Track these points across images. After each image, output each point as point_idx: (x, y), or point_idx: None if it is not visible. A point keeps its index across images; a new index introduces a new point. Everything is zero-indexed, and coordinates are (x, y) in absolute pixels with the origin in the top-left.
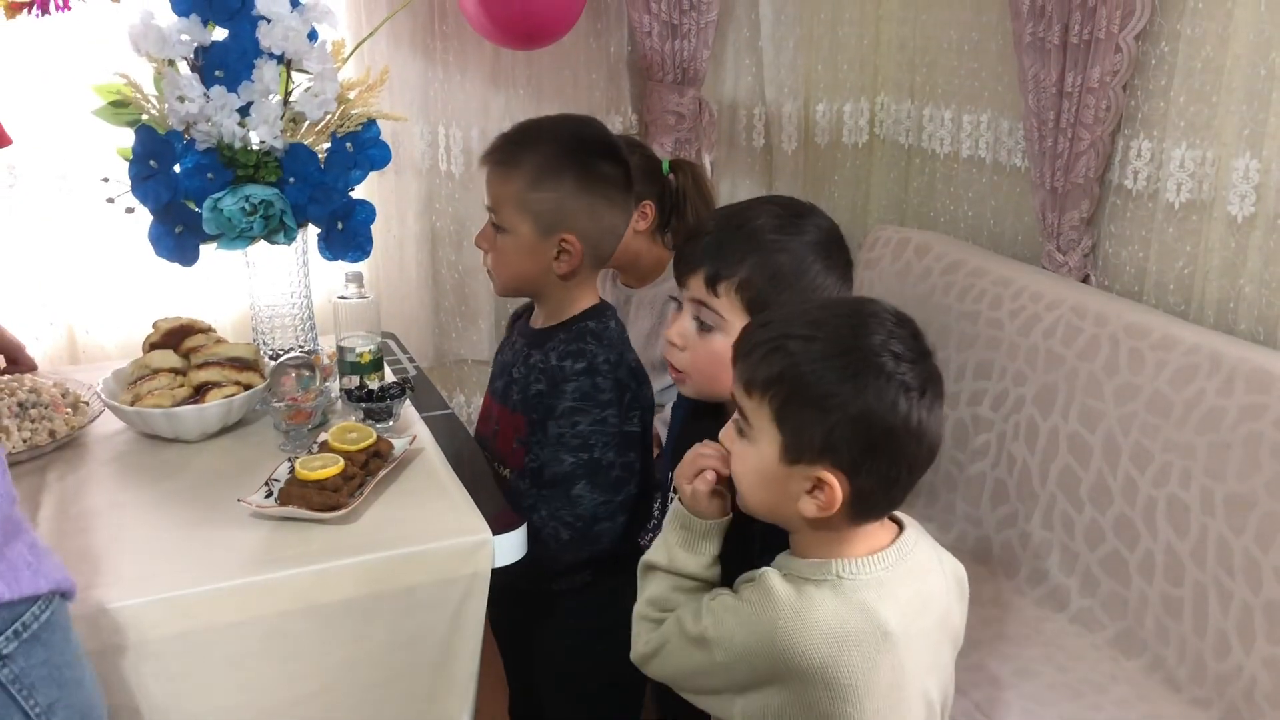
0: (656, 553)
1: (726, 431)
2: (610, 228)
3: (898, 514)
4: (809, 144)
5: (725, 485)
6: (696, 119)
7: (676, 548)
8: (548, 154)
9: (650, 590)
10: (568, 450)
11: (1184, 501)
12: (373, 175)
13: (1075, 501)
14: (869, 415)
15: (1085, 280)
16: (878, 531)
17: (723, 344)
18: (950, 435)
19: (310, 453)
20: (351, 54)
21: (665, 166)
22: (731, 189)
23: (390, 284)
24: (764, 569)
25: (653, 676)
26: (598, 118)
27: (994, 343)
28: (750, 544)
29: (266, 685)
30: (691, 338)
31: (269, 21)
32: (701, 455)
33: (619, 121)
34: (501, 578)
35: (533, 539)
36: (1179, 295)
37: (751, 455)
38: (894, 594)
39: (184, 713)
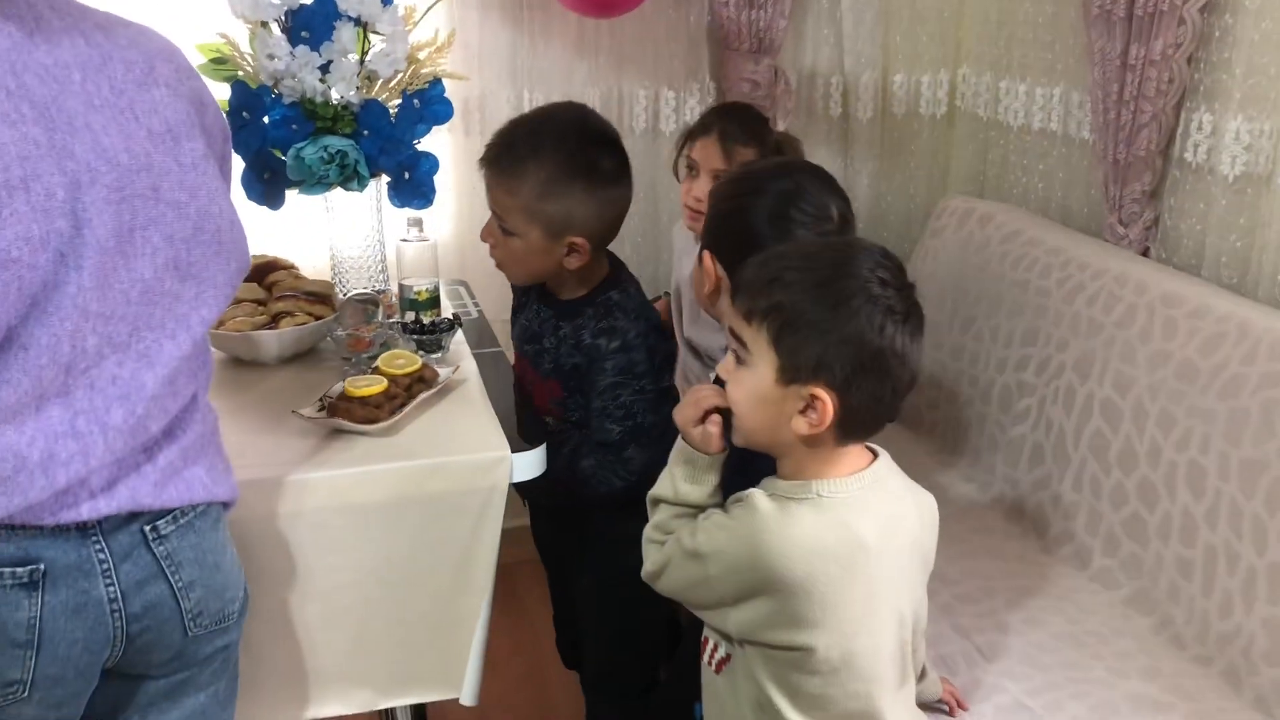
0: (662, 487)
1: (725, 364)
2: (615, 218)
3: (872, 445)
4: (886, 114)
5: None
6: (772, 87)
7: (681, 481)
8: (554, 164)
9: (657, 517)
10: (613, 420)
11: (1202, 466)
12: (458, 135)
13: (1104, 464)
14: (860, 336)
15: (1145, 253)
16: (856, 458)
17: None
18: (996, 399)
19: (365, 375)
20: (421, 18)
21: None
22: (808, 157)
23: (472, 239)
24: (751, 490)
25: (661, 592)
26: (676, 85)
27: (1041, 310)
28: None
29: (310, 573)
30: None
31: None
32: (703, 396)
33: (697, 89)
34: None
35: (581, 479)
36: (1235, 269)
37: (749, 379)
38: (870, 511)
39: None
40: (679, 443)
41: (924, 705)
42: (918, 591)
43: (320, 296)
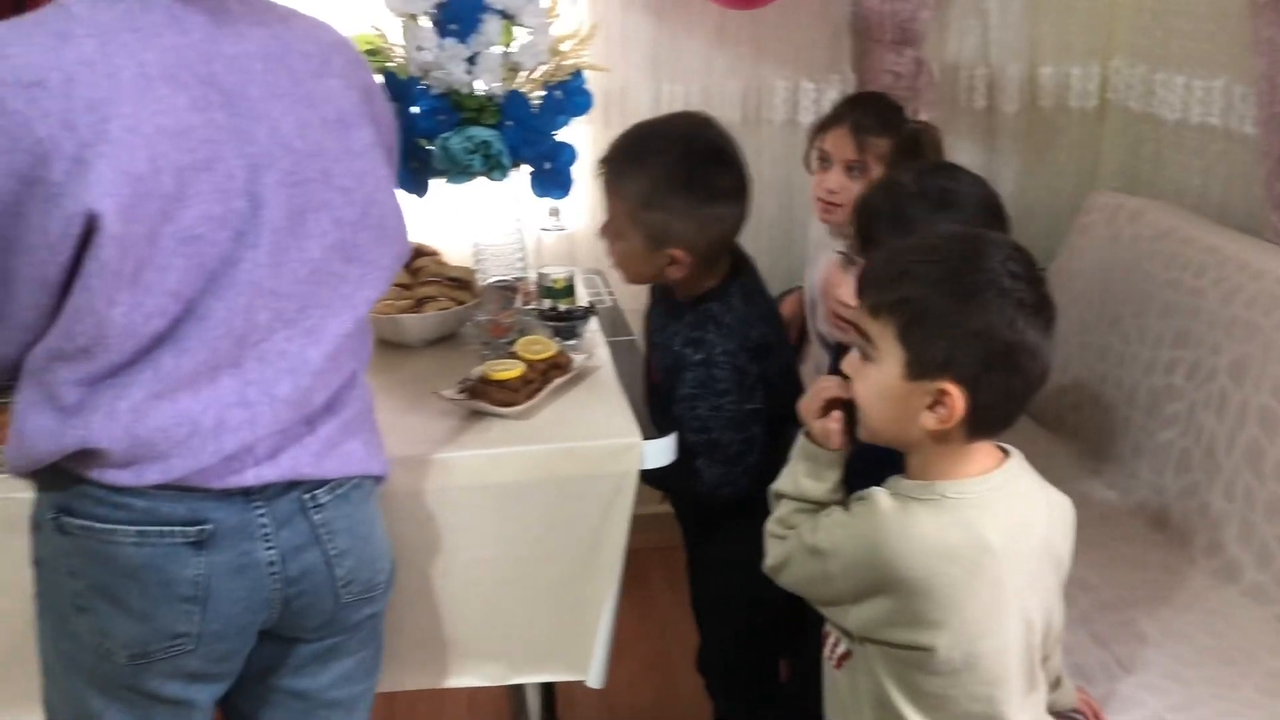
0: (784, 482)
1: (850, 360)
2: (720, 236)
3: (1005, 445)
4: (1033, 107)
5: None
6: (914, 79)
7: (803, 477)
8: (658, 175)
9: (779, 511)
10: (688, 429)
11: None
12: (598, 127)
13: (1259, 474)
14: (989, 330)
15: None
16: (985, 457)
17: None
18: (1142, 403)
19: (502, 359)
20: (565, 12)
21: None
22: (951, 149)
23: None
24: (874, 488)
25: (783, 586)
26: (816, 76)
27: (1194, 311)
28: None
29: (449, 549)
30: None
31: None
32: (824, 388)
33: (837, 80)
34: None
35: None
36: None
37: (875, 375)
38: (996, 513)
39: None
40: (801, 437)
41: (1058, 714)
42: (1049, 596)
43: (462, 282)
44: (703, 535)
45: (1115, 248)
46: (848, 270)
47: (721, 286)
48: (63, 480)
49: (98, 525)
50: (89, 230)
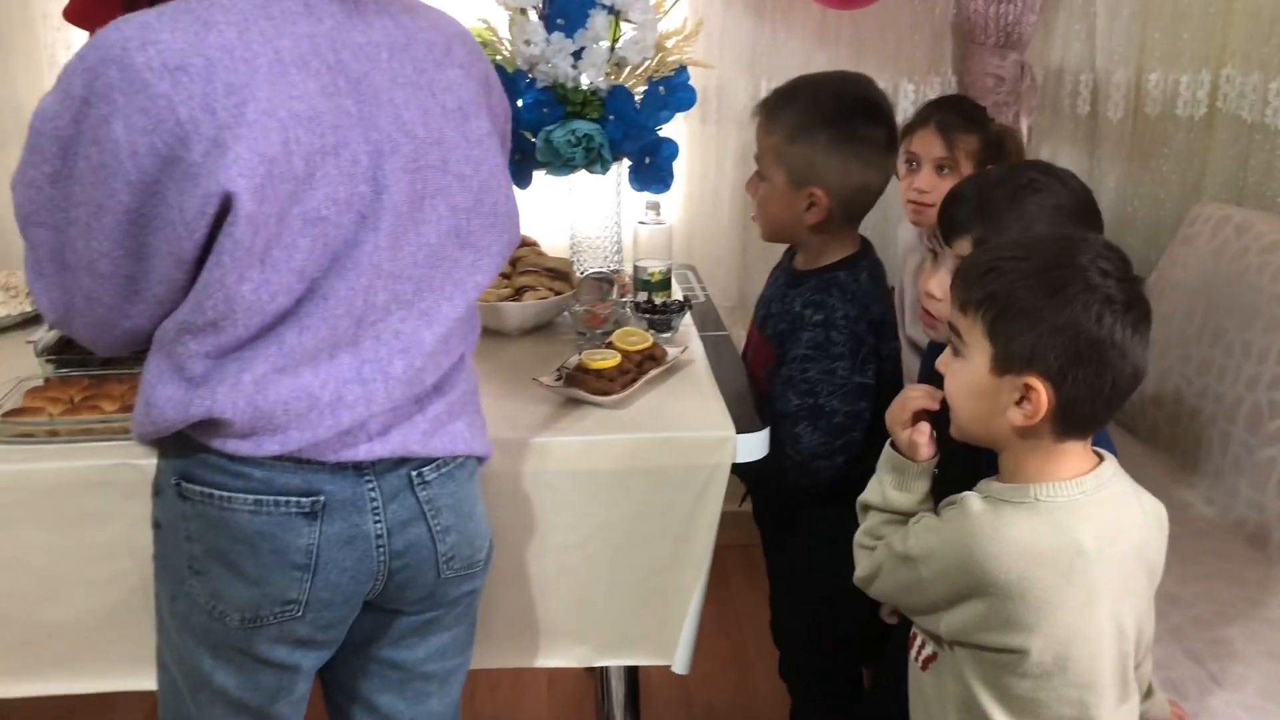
0: (871, 493)
1: (942, 357)
2: (862, 186)
3: (1099, 450)
4: (1138, 114)
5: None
6: (1017, 83)
7: (890, 489)
8: (806, 111)
9: (866, 523)
10: (795, 392)
11: None
12: (694, 123)
13: None
14: (1075, 325)
15: None
16: (1079, 460)
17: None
18: (1244, 418)
19: (599, 349)
20: (671, 8)
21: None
22: (1052, 155)
23: (703, 225)
24: (965, 493)
25: (874, 597)
26: (916, 78)
27: None
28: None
29: (541, 530)
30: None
31: None
32: (912, 398)
33: (938, 83)
34: (758, 485)
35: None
36: None
37: (964, 371)
38: (1090, 516)
39: None
40: (887, 448)
41: None
42: (1141, 602)
43: (560, 273)
44: (783, 533)
45: (1220, 260)
46: (935, 263)
47: (850, 259)
48: (185, 448)
49: (216, 492)
50: (224, 209)
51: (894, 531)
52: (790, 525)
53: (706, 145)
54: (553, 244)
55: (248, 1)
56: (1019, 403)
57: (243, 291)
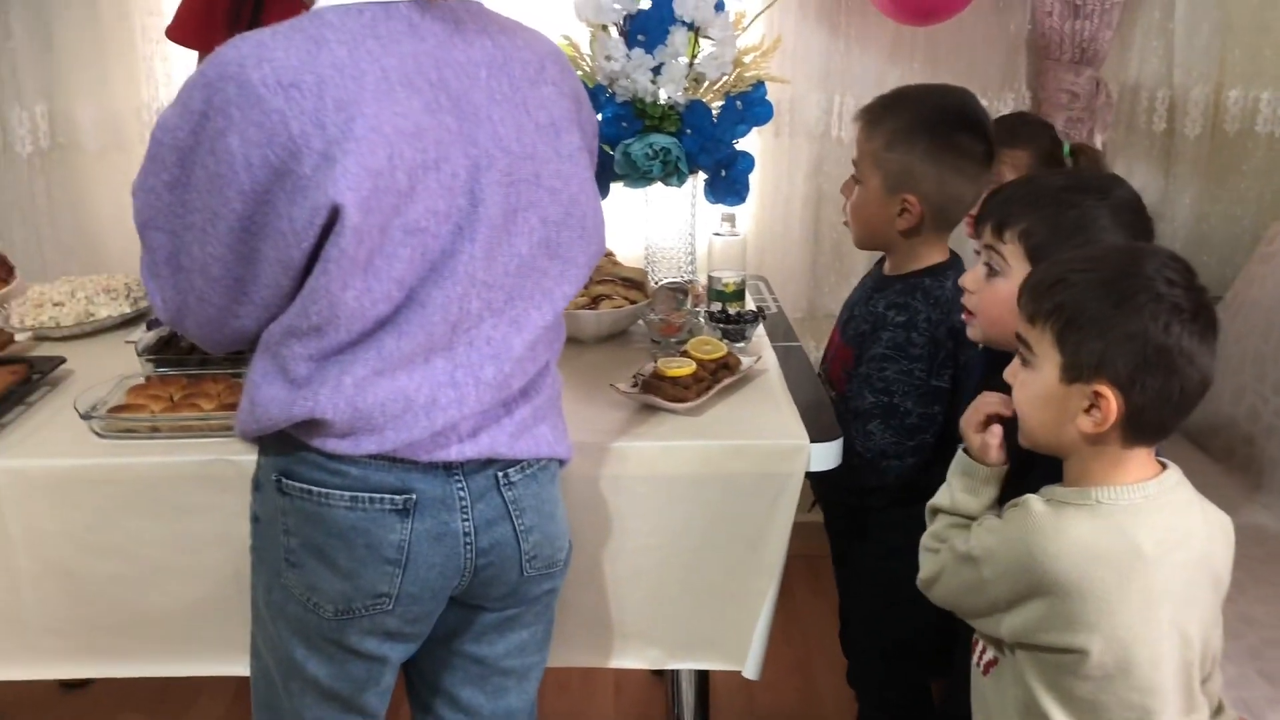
0: (940, 497)
1: (1011, 368)
2: (956, 196)
3: (1164, 460)
4: (1216, 131)
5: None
6: (1092, 99)
7: (960, 492)
8: (907, 119)
9: (933, 526)
10: (871, 390)
11: None
12: (767, 137)
13: None
14: (1143, 333)
15: None
16: (1142, 467)
17: (1006, 288)
18: None
19: (674, 357)
20: (750, 24)
21: (1066, 149)
22: (1127, 172)
23: (774, 237)
24: (1028, 495)
25: (934, 601)
26: (990, 93)
27: None
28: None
29: (617, 533)
30: (980, 283)
31: None
32: (986, 403)
33: (1011, 98)
34: (828, 492)
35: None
36: None
37: (1033, 380)
38: (1150, 520)
39: None
40: (959, 453)
41: None
42: (1207, 612)
43: (635, 283)
44: (853, 541)
45: None
46: (977, 261)
47: (938, 266)
48: (286, 446)
49: (315, 489)
50: (331, 220)
51: (958, 534)
52: (860, 533)
53: (779, 158)
54: (627, 254)
55: (356, 21)
56: (1088, 410)
57: (346, 298)
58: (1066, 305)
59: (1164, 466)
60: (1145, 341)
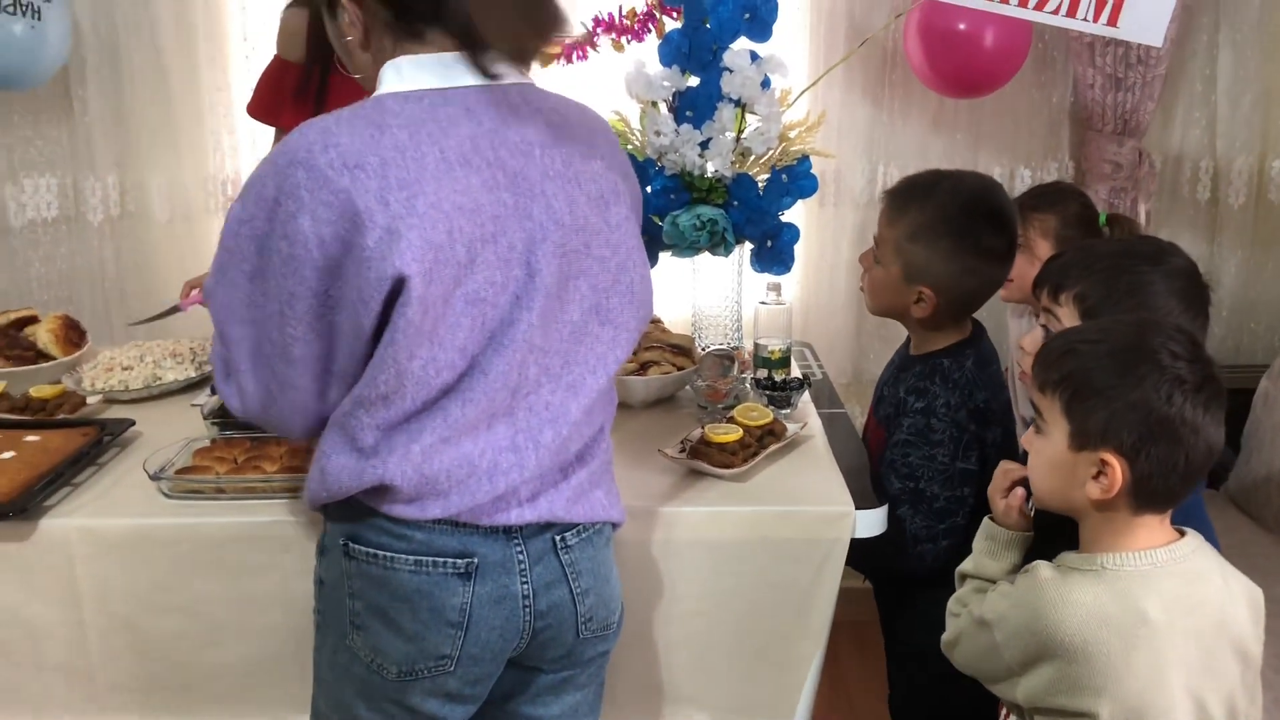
0: (967, 562)
1: (1027, 434)
2: (974, 291)
3: (1184, 528)
4: (1260, 200)
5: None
6: (1135, 169)
7: (982, 555)
8: (932, 214)
9: (959, 591)
10: (897, 475)
11: None
12: (812, 205)
13: None
14: (1146, 403)
15: None
16: (1153, 534)
17: None
18: None
19: (721, 423)
20: (795, 100)
21: (1102, 219)
22: (1171, 240)
23: (819, 303)
24: (1038, 561)
25: (957, 666)
26: (1033, 163)
27: None
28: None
29: (666, 596)
30: (1038, 345)
31: (732, 72)
32: (1011, 468)
33: (1054, 168)
34: (873, 561)
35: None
36: None
37: (1045, 447)
38: (1159, 587)
39: None
40: (986, 519)
41: None
42: (1229, 682)
43: (682, 349)
44: (901, 611)
45: None
46: (1034, 324)
47: (957, 345)
48: (353, 512)
49: (381, 553)
50: (395, 290)
51: (978, 598)
52: (908, 604)
53: (824, 227)
54: (673, 319)
55: (416, 107)
56: (1096, 477)
57: (413, 368)
58: (1074, 375)
59: (1182, 534)
60: (1149, 412)
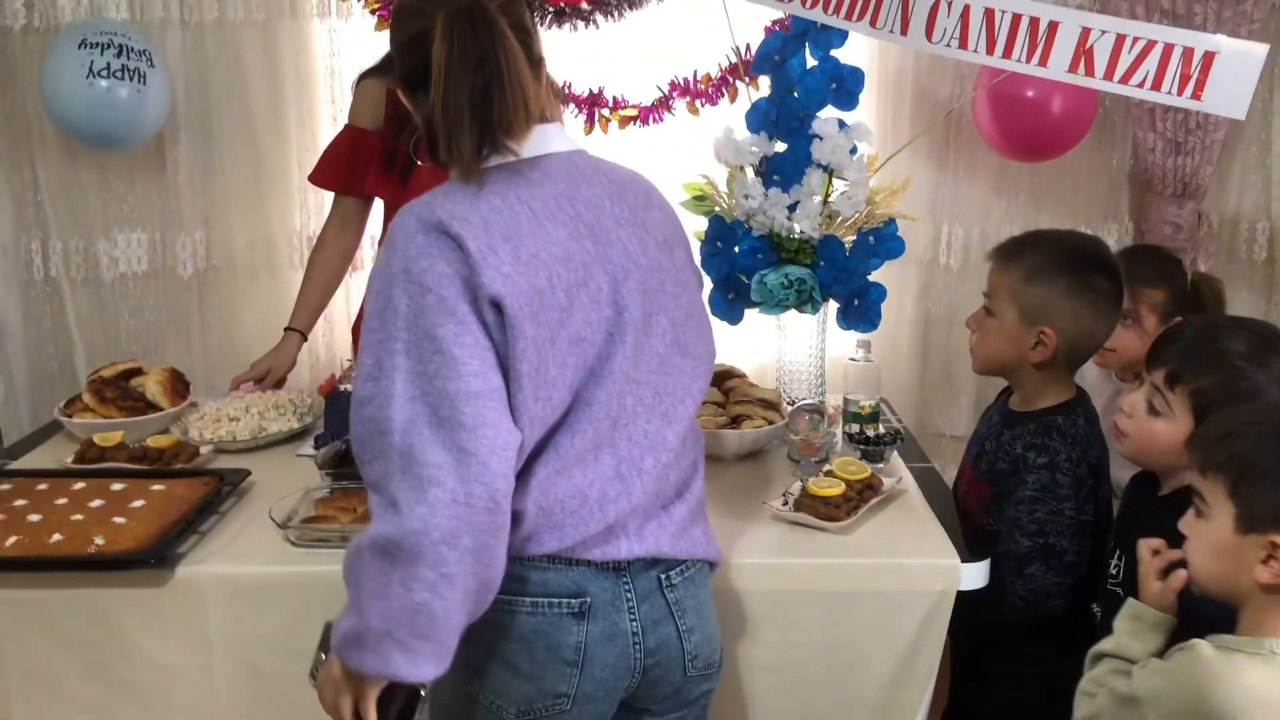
0: (1106, 642)
1: (1186, 519)
2: (1089, 332)
3: None
4: None
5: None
6: (1194, 230)
7: (1125, 636)
8: (1046, 257)
9: (1094, 670)
10: (1024, 534)
11: None
12: None
13: None
14: None
15: None
16: None
17: (1164, 429)
18: None
19: (819, 477)
20: (881, 166)
21: (1189, 279)
22: (1229, 300)
23: (884, 357)
24: (1195, 639)
25: None
26: (1094, 225)
27: None
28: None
29: (774, 645)
30: (1139, 413)
31: (821, 139)
32: (1161, 550)
33: (1115, 229)
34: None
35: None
36: None
37: (1207, 531)
38: None
39: None
40: (1131, 600)
41: None
42: None
43: (771, 403)
44: (989, 654)
45: None
46: (1139, 389)
47: (1067, 404)
48: None
49: (501, 597)
50: (512, 335)
51: (1118, 679)
52: (999, 641)
53: (890, 284)
54: (754, 372)
55: (498, 176)
56: (1266, 561)
57: (535, 409)
58: (1239, 457)
59: None
60: None
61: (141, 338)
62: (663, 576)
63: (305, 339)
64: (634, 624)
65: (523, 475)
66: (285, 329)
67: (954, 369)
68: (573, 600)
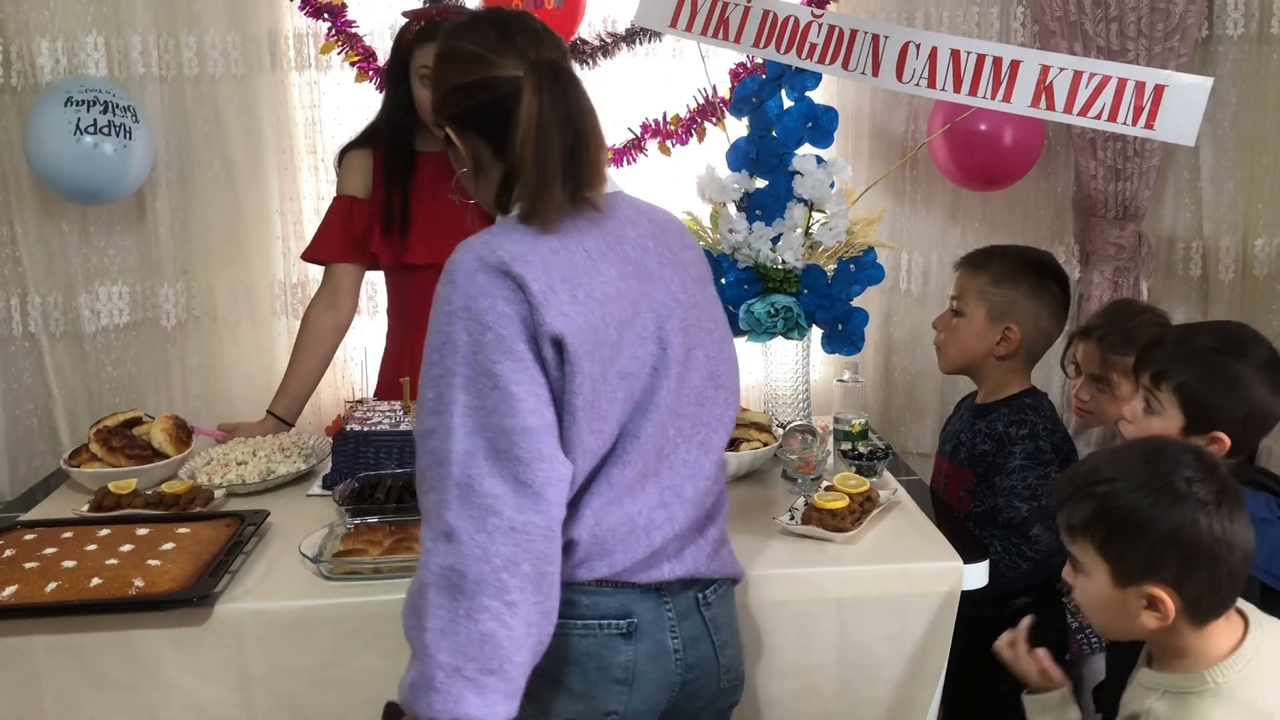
0: None
1: (1067, 569)
2: (1045, 332)
3: (1240, 607)
4: (1246, 275)
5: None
6: (1135, 250)
7: None
8: (1012, 264)
9: None
10: (1021, 499)
11: None
12: None
13: None
14: (1177, 534)
15: None
16: (1229, 633)
17: (1160, 426)
18: None
19: (822, 491)
20: (860, 197)
21: None
22: (1170, 314)
23: (870, 381)
24: (1143, 700)
25: None
26: (1041, 248)
27: None
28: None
29: (795, 652)
30: (1139, 415)
31: (801, 175)
32: (1011, 638)
33: (1061, 251)
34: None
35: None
36: None
37: (1089, 586)
38: (1262, 680)
39: None
40: (1025, 696)
41: None
42: None
43: (763, 426)
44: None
45: None
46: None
47: (1030, 390)
48: None
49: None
50: (569, 370)
51: None
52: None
53: None
54: (745, 398)
55: (553, 220)
56: (1148, 609)
57: (585, 440)
58: (1099, 518)
59: (1243, 615)
60: (1181, 542)
61: (124, 389)
62: (699, 596)
63: (288, 426)
64: (675, 641)
65: (575, 505)
66: (267, 411)
67: (918, 389)
68: (621, 621)
